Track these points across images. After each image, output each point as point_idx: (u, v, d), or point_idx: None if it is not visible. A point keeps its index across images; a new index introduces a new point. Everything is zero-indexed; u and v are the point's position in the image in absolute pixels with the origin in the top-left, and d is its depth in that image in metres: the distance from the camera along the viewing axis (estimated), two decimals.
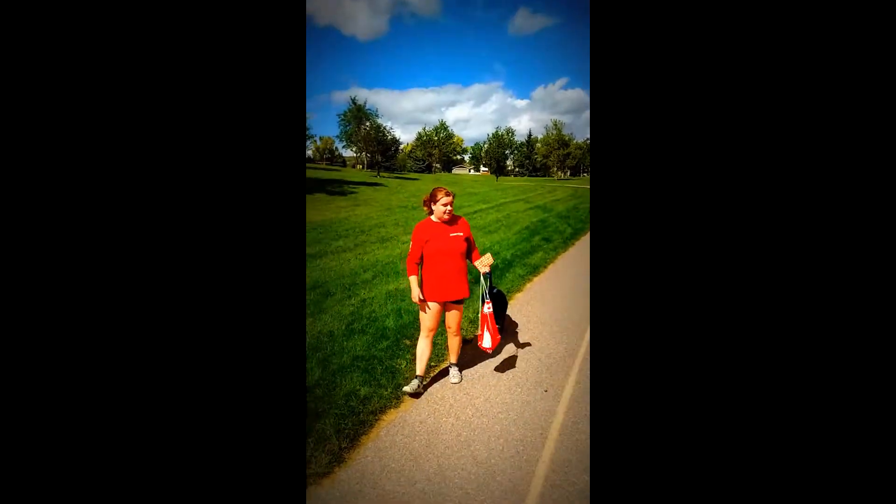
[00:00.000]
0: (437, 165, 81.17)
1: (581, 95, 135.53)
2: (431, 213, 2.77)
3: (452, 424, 2.56)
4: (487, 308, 2.91)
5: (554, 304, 4.90)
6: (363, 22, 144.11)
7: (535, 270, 6.27)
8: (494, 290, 3.31)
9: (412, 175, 54.12)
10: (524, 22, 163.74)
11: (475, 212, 14.66)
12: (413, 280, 2.76)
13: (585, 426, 2.54)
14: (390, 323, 3.94)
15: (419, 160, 76.83)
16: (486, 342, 2.93)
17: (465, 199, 20.11)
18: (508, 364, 3.38)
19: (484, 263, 2.88)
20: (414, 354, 3.19)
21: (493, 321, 2.94)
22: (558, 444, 2.35)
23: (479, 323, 2.97)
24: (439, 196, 2.71)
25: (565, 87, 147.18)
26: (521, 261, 6.83)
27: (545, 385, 3.00)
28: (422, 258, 2.76)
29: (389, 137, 39.15)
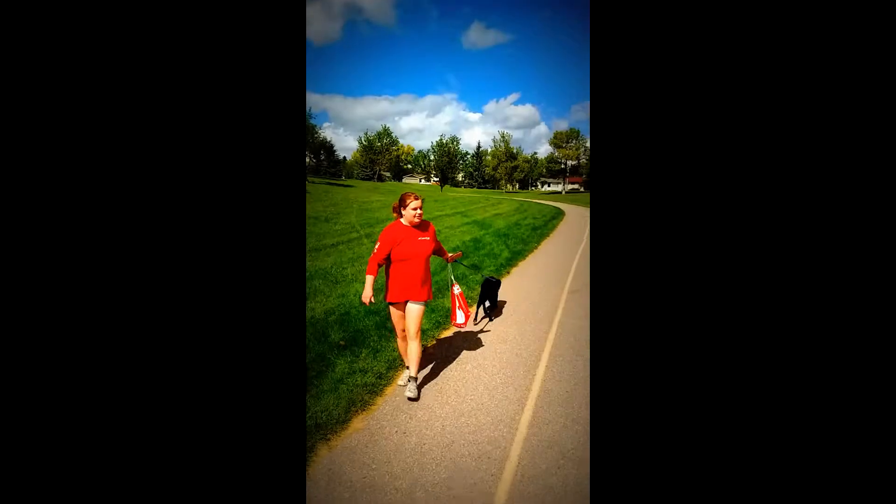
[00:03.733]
0: (387, 174, 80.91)
1: (531, 111, 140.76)
2: (401, 217, 2.87)
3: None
4: (456, 289, 3.38)
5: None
6: (317, 26, 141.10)
7: (447, 319, 4.32)
8: (493, 279, 4.56)
9: (349, 182, 53.06)
10: (478, 36, 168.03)
11: None
12: (369, 280, 2.79)
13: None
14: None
15: (365, 167, 76.23)
16: (460, 318, 3.33)
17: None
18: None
19: (452, 256, 3.36)
20: (401, 359, 3.36)
21: (464, 299, 3.36)
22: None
23: (451, 303, 3.39)
24: (409, 201, 2.82)
25: (517, 103, 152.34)
26: (444, 290, 5.21)
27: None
28: (387, 260, 2.84)
29: (319, 138, 38.05)
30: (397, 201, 2.93)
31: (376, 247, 2.85)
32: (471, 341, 3.98)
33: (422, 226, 2.91)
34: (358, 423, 2.63)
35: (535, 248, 9.91)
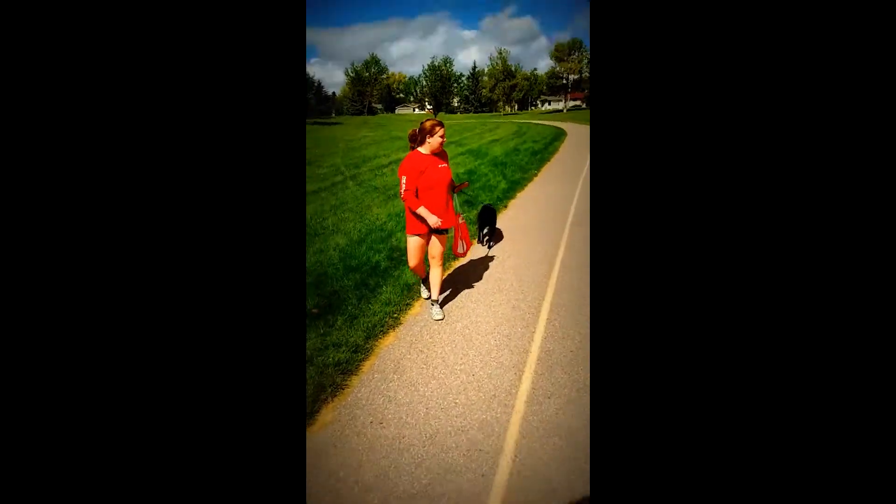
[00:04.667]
0: (378, 106, 76.88)
1: (529, 24, 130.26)
2: (422, 145, 2.83)
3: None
4: (460, 219, 3.29)
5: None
6: None
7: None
8: (489, 206, 4.56)
9: (337, 119, 50.36)
10: None
11: (389, 163, 11.71)
12: (423, 210, 2.79)
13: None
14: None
15: (355, 101, 72.36)
16: (461, 248, 3.36)
17: (386, 145, 17.74)
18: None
19: (459, 186, 3.26)
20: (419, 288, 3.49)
21: (466, 229, 3.36)
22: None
23: (454, 232, 3.32)
24: (437, 129, 2.79)
25: (513, 16, 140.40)
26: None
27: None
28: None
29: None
30: (415, 130, 2.87)
31: (404, 181, 2.77)
32: (463, 291, 3.54)
33: (440, 154, 2.91)
34: (327, 414, 2.25)
35: (535, 175, 9.19)
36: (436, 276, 3.10)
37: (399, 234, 4.93)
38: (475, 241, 4.64)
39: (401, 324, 3.14)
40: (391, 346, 2.87)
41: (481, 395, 2.32)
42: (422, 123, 2.85)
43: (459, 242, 3.34)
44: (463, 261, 4.22)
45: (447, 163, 2.96)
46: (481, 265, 4.16)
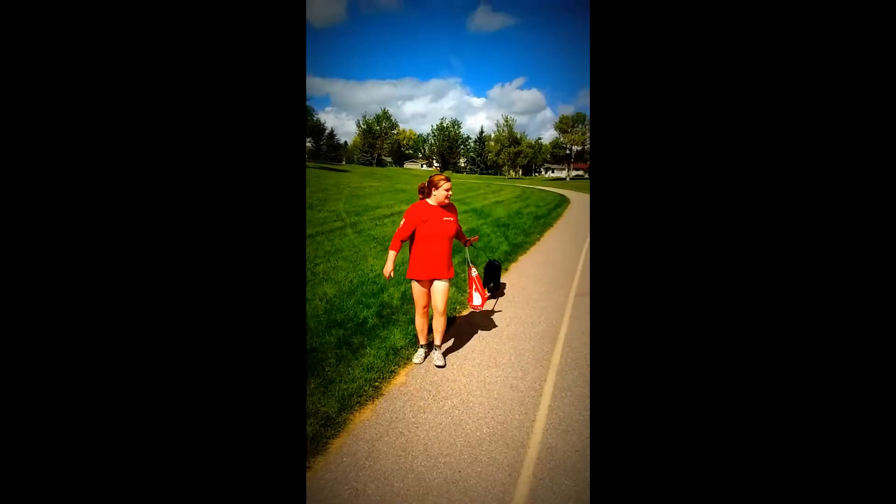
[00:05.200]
0: (388, 159, 79.40)
1: (537, 96, 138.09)
2: (429, 196, 3.02)
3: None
4: (473, 272, 3.46)
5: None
6: (319, 9, 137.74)
7: (431, 329, 3.31)
8: (495, 262, 4.72)
9: (345, 167, 51.53)
10: (484, 19, 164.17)
11: (391, 214, 11.73)
12: (392, 255, 2.98)
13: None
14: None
15: (365, 152, 74.76)
16: (476, 300, 3.44)
17: (390, 196, 17.91)
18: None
19: (470, 240, 3.50)
20: (415, 330, 3.42)
21: (480, 281, 3.46)
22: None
23: (468, 285, 3.50)
24: (442, 183, 2.96)
25: (522, 87, 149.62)
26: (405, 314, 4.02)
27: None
28: (412, 238, 3.01)
29: (313, 121, 37.73)
30: (425, 182, 3.06)
31: (402, 223, 3.01)
32: (455, 363, 3.17)
33: (447, 207, 3.05)
34: None
35: (538, 239, 9.05)
36: (437, 325, 3.14)
37: (392, 290, 4.62)
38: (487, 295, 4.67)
39: (382, 395, 2.75)
40: (367, 422, 2.47)
41: (466, 499, 1.91)
42: (431, 177, 3.04)
43: (474, 294, 3.44)
44: (462, 322, 3.89)
45: (455, 217, 3.09)
46: (477, 333, 3.82)
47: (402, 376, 2.99)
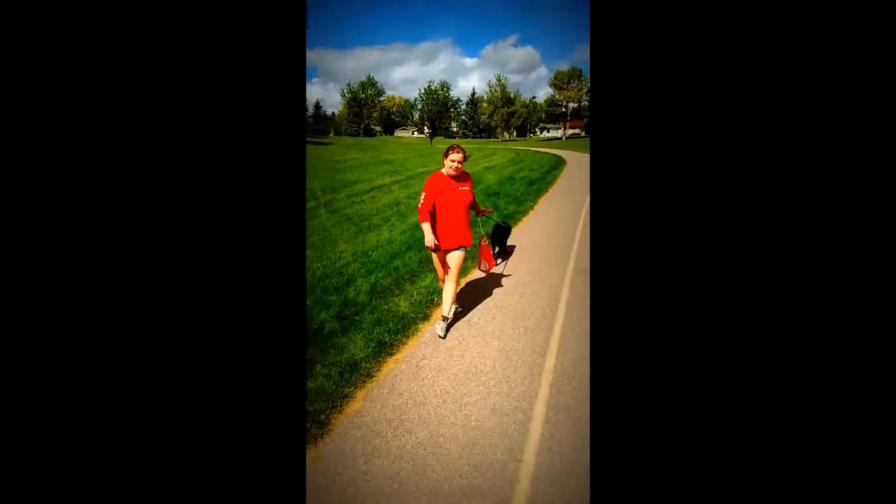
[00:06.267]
0: (378, 128, 76.97)
1: (531, 54, 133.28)
2: (444, 167, 3.04)
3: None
4: (484, 241, 3.63)
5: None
6: None
7: (404, 329, 3.17)
8: (503, 224, 4.79)
9: (329, 140, 49.75)
10: None
11: (370, 189, 10.68)
12: (427, 226, 2.97)
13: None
14: None
15: (352, 122, 72.37)
16: (484, 266, 3.62)
17: (373, 168, 16.56)
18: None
19: (484, 211, 3.57)
20: (440, 300, 3.50)
21: (490, 250, 3.65)
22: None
23: (480, 251, 3.66)
24: (450, 153, 3.00)
25: (516, 45, 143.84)
26: (394, 290, 3.84)
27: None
28: (433, 208, 3.01)
29: None
30: (444, 152, 3.07)
31: (422, 197, 3.00)
32: (427, 376, 2.57)
33: (461, 176, 3.09)
34: None
35: (531, 207, 8.34)
36: (447, 292, 3.12)
37: (360, 282, 3.99)
38: (497, 261, 4.61)
39: (329, 430, 2.17)
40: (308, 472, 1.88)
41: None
42: (447, 147, 3.07)
43: (482, 261, 3.62)
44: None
45: (470, 185, 3.14)
46: (458, 330, 3.21)
47: (357, 401, 2.40)
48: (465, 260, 3.31)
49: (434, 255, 3.18)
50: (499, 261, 4.67)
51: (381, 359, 2.81)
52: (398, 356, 2.87)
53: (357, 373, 2.62)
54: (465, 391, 2.47)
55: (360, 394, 2.48)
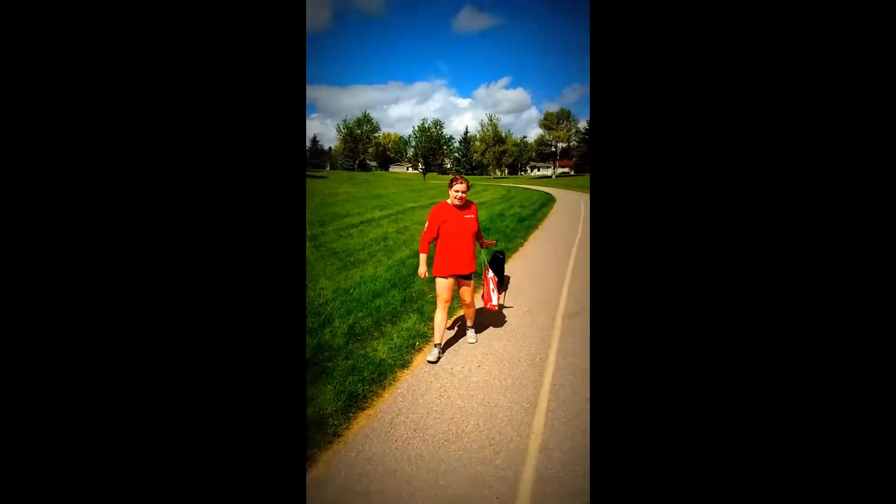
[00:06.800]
0: (373, 163, 78.00)
1: (522, 95, 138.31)
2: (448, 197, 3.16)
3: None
4: (490, 273, 3.55)
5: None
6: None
7: (380, 379, 2.85)
8: (499, 255, 4.22)
9: (323, 173, 49.94)
10: (469, 20, 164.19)
11: (360, 223, 10.49)
12: (423, 257, 3.17)
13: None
14: None
15: (347, 157, 73.34)
16: (493, 300, 3.50)
17: (364, 203, 16.58)
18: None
19: (488, 243, 3.71)
20: (432, 326, 3.33)
21: (496, 283, 3.54)
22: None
23: (484, 286, 3.55)
24: (454, 184, 3.11)
25: (507, 87, 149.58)
26: (373, 332, 3.58)
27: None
28: (436, 237, 3.15)
29: None
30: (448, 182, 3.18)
31: (426, 226, 3.15)
32: (402, 432, 2.28)
33: (466, 206, 3.19)
34: None
35: (521, 244, 8.21)
36: (438, 319, 3.19)
37: (337, 323, 3.73)
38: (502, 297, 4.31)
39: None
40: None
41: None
42: (451, 178, 3.18)
43: (491, 294, 3.50)
44: (421, 366, 3.00)
45: (475, 214, 3.24)
46: (438, 379, 2.93)
47: (320, 465, 2.10)
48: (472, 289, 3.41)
49: (438, 283, 3.19)
50: (502, 294, 4.42)
51: (351, 414, 2.52)
52: (370, 411, 2.58)
53: (323, 430, 2.33)
54: (442, 457, 2.17)
55: (325, 456, 2.17)
